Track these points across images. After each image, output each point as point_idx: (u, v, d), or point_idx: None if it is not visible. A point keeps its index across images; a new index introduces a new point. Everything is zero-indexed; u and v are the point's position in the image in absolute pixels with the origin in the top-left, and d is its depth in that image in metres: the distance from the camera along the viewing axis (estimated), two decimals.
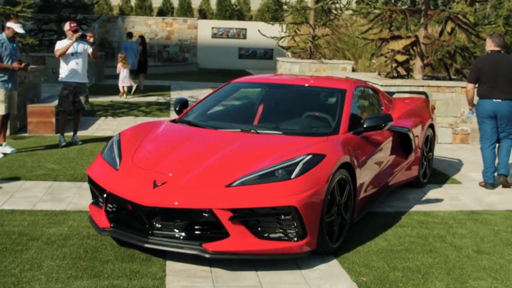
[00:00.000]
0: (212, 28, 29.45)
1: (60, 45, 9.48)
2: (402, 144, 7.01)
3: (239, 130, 5.91)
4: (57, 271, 4.60)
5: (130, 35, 18.63)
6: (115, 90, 16.91)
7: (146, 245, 4.73)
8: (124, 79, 16.39)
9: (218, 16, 33.20)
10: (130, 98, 16.09)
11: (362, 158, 5.75)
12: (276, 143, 5.51)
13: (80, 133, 10.30)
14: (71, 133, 9.91)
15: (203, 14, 34.30)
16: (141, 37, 18.47)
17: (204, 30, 29.31)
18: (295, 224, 4.69)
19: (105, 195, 5.07)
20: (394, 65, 12.29)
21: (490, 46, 7.61)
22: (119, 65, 16.54)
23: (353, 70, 18.33)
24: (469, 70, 10.01)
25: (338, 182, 5.16)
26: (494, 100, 7.48)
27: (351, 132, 5.90)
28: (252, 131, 5.88)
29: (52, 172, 7.71)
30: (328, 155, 5.09)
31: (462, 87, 10.77)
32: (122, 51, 17.45)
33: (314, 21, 18.95)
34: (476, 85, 7.75)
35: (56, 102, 10.77)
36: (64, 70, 9.49)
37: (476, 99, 7.82)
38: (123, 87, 16.36)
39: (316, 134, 5.87)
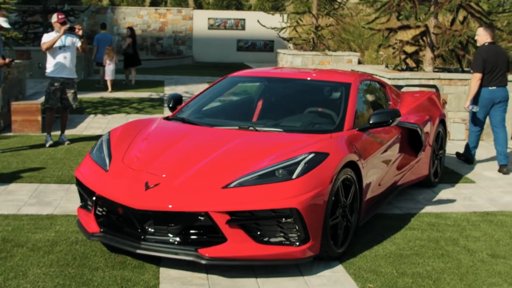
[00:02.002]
0: (209, 18, 29.44)
1: (47, 38, 9.48)
2: (412, 141, 7.01)
3: (237, 127, 5.92)
4: (43, 279, 4.60)
5: (103, 26, 18.88)
6: (105, 86, 16.98)
7: (138, 251, 4.73)
8: (110, 72, 16.66)
9: (215, 6, 33.19)
10: (114, 92, 16.18)
11: (369, 156, 5.75)
12: (276, 141, 5.51)
13: (68, 132, 10.30)
14: (58, 132, 9.91)
15: (199, 4, 34.29)
16: (130, 29, 18.79)
17: (200, 21, 29.30)
18: (297, 228, 4.69)
19: (94, 198, 5.06)
20: (403, 56, 12.28)
21: (487, 38, 8.63)
22: (105, 57, 16.81)
23: (359, 62, 18.33)
24: None
25: (343, 182, 5.17)
26: (490, 88, 8.52)
27: (356, 129, 5.90)
28: (250, 128, 5.88)
29: (38, 173, 7.71)
30: (332, 153, 5.10)
31: None
32: (94, 43, 17.68)
33: (317, 10, 18.94)
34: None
35: (42, 99, 10.78)
36: (51, 65, 9.50)
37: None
38: (109, 80, 16.66)
39: (319, 131, 5.87)
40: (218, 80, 7.21)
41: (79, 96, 11.32)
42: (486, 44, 8.61)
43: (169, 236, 4.72)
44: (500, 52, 8.63)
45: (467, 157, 9.03)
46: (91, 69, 21.05)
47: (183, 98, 7.04)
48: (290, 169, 4.84)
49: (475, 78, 8.48)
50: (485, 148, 10.23)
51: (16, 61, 11.61)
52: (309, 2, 19.81)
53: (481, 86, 8.51)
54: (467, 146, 9.02)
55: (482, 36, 8.65)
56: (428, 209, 6.75)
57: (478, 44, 8.85)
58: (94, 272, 4.75)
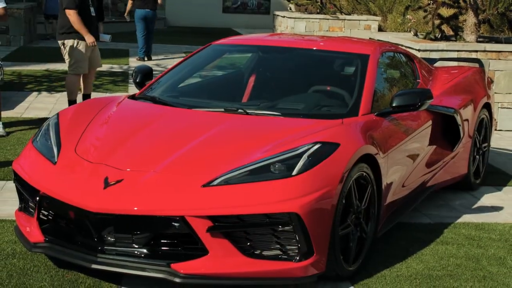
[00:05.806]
0: None
1: None
2: (446, 130, 7.06)
3: (222, 109, 5.96)
4: None
5: None
6: (52, 55, 16.92)
7: (94, 266, 4.75)
8: None
9: None
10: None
11: (390, 149, 5.79)
12: (272, 128, 5.58)
13: (3, 114, 10.28)
14: None
15: None
16: None
17: None
18: (297, 238, 4.73)
19: (38, 198, 5.09)
20: (437, 22, 12.29)
21: None
22: None
23: (380, 29, 18.37)
24: None
25: (357, 181, 5.22)
26: None
27: (375, 114, 5.96)
28: (239, 111, 5.92)
29: None
30: (343, 144, 5.14)
31: None
32: None
33: None
34: None
35: None
36: None
37: None
38: None
39: (327, 115, 5.92)
40: (198, 49, 7.24)
41: (19, 68, 11.32)
42: None
43: (134, 247, 4.75)
44: None
45: None
46: (33, 34, 20.93)
47: (154, 72, 7.07)
48: (289, 163, 4.87)
49: None
50: None
51: None
52: None
53: None
54: None
55: None
56: (467, 218, 6.78)
57: None
58: None
